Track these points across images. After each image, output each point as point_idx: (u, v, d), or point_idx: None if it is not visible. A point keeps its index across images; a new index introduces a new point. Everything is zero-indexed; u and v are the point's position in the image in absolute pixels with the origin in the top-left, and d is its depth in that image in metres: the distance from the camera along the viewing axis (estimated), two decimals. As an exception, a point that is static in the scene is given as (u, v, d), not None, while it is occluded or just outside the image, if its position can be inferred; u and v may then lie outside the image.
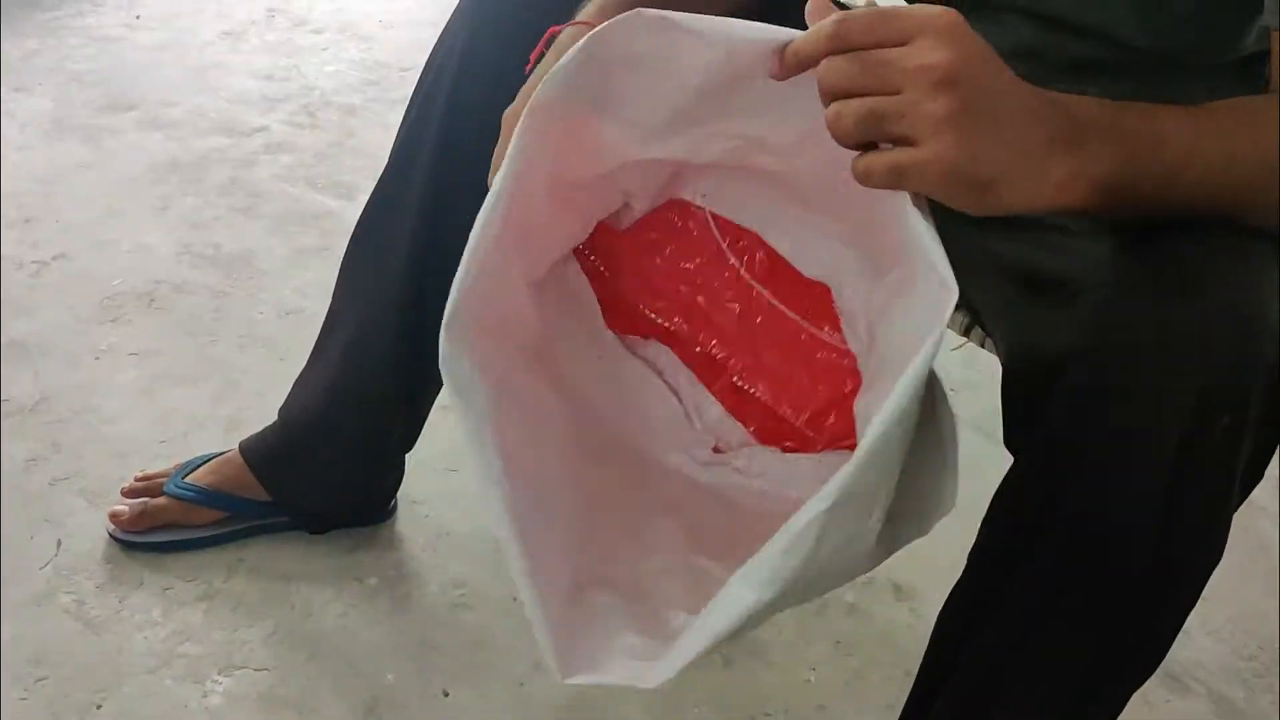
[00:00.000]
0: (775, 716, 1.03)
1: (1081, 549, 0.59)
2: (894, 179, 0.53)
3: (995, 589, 0.64)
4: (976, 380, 1.48)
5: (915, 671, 1.09)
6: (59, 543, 1.08)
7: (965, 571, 0.68)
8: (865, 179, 0.54)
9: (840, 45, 0.53)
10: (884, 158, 0.53)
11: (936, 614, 1.15)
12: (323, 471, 1.08)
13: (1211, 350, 0.54)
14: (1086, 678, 0.63)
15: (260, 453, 1.09)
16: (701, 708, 1.02)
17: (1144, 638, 0.62)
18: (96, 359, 1.34)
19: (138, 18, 2.34)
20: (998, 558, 0.64)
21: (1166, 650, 0.63)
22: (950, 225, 0.79)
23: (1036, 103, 0.55)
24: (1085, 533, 0.58)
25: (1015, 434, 0.65)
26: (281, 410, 1.09)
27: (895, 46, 0.52)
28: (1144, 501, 0.56)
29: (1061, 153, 0.55)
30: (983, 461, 1.42)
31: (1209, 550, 0.59)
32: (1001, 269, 0.75)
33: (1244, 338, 0.54)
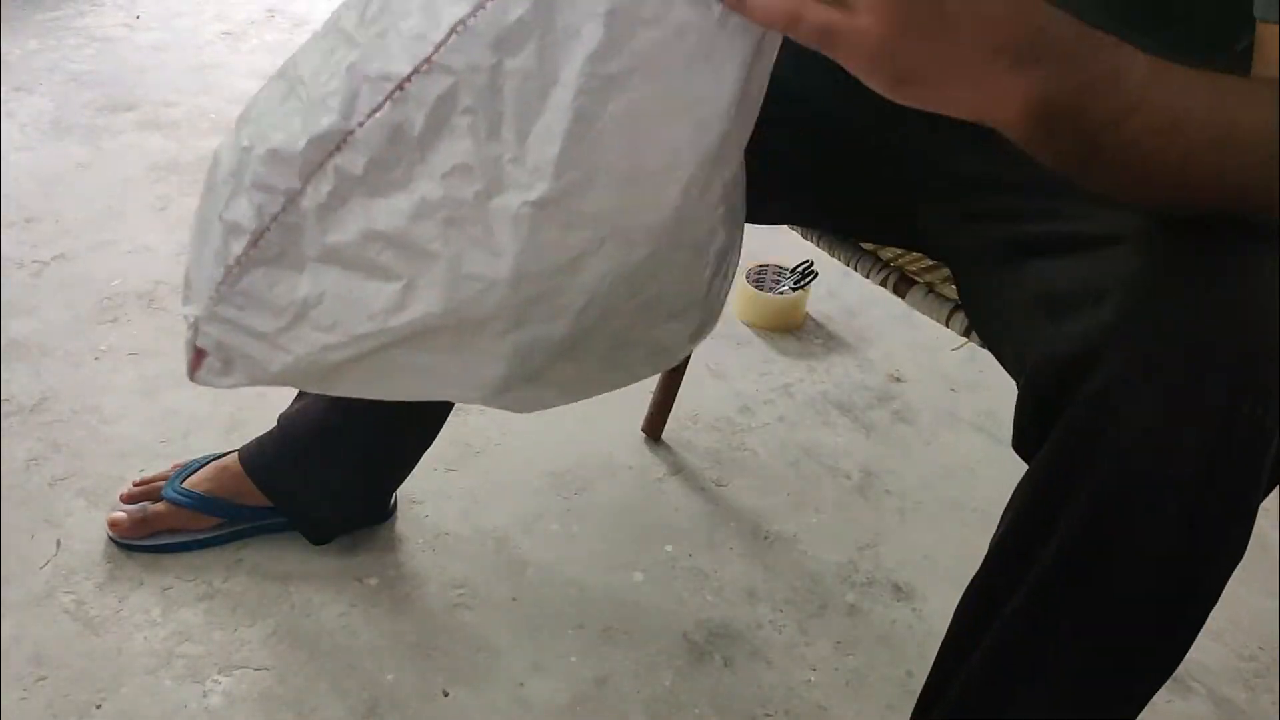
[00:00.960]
0: (775, 716, 1.03)
1: (1106, 540, 0.59)
2: (821, 39, 0.51)
3: (1014, 580, 0.63)
4: (976, 380, 1.49)
5: (916, 671, 1.09)
6: (58, 543, 1.08)
7: (984, 563, 0.68)
8: (789, 25, 0.51)
9: None
10: (818, 12, 0.50)
11: (936, 614, 1.15)
12: (326, 482, 1.08)
13: (1238, 342, 0.54)
14: (1103, 672, 0.62)
15: (260, 462, 1.08)
16: (701, 708, 1.02)
17: (1164, 632, 0.62)
18: (96, 359, 1.34)
19: (137, 18, 2.34)
20: (1017, 550, 0.64)
21: (1187, 648, 0.62)
22: (971, 256, 0.79)
23: (999, 8, 0.51)
24: (1110, 526, 0.58)
25: (1030, 438, 0.64)
26: (282, 418, 1.09)
27: None
28: (1173, 492, 0.56)
29: (1006, 65, 0.51)
30: (982, 461, 1.42)
31: (1233, 543, 0.59)
32: (1017, 286, 0.75)
33: (1267, 329, 0.54)
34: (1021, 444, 0.66)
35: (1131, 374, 0.56)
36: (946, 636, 0.72)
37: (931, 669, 0.73)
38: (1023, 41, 0.52)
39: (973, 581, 0.69)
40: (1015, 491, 0.65)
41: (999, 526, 0.67)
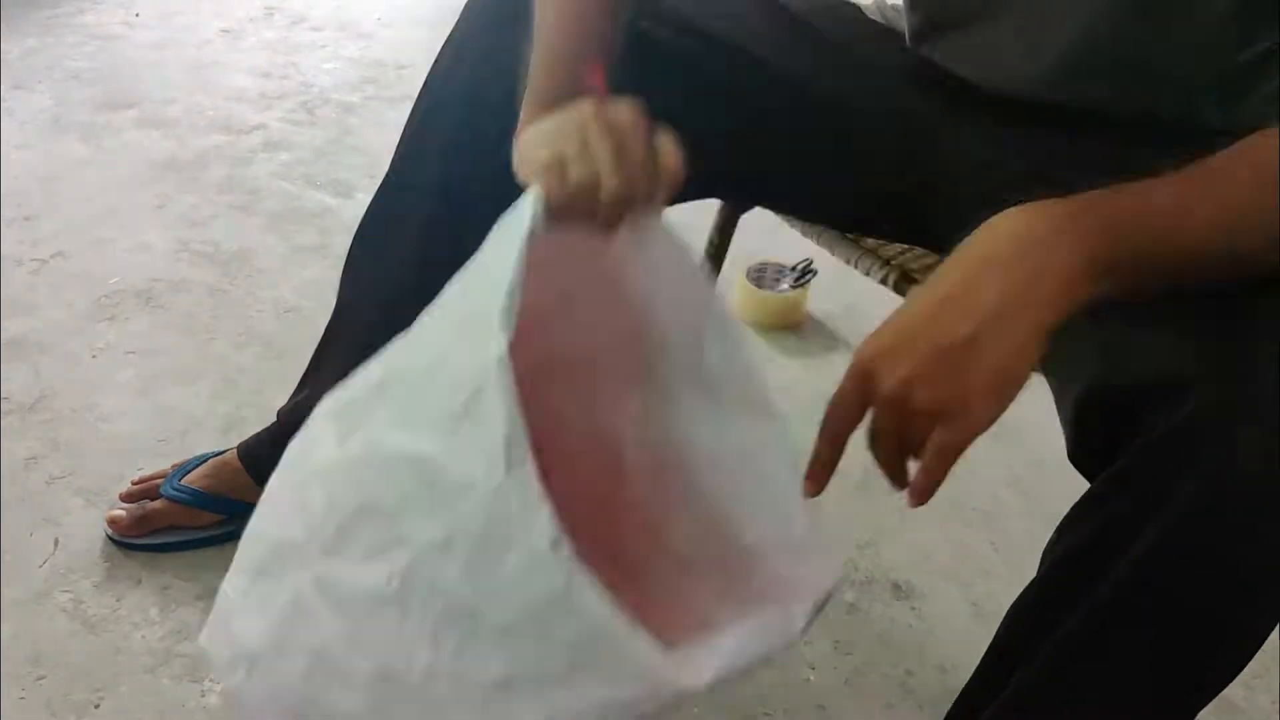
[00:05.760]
0: (775, 716, 1.03)
1: (1193, 559, 0.58)
2: (946, 461, 0.57)
3: (1076, 590, 0.63)
4: (976, 379, 1.47)
5: (915, 670, 1.09)
6: (57, 541, 1.08)
7: (1047, 571, 0.67)
8: (924, 493, 0.58)
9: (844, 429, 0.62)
10: (927, 460, 0.57)
11: (936, 613, 1.15)
12: None
13: None
14: (1168, 687, 0.62)
15: (259, 458, 1.08)
16: (701, 707, 1.02)
17: (1231, 652, 0.61)
18: (95, 357, 1.33)
19: (136, 15, 2.34)
20: (1082, 561, 0.63)
21: (1245, 664, 0.62)
22: None
23: (1004, 279, 0.56)
24: (1199, 546, 0.57)
25: (1093, 451, 0.64)
26: (282, 413, 1.09)
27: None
28: (1269, 518, 0.55)
29: (1047, 301, 0.56)
30: (982, 461, 1.42)
31: None
32: None
33: None
34: (1080, 456, 0.65)
35: (1228, 398, 0.55)
36: (995, 642, 0.71)
37: (973, 677, 0.72)
38: (1054, 278, 0.56)
39: (1032, 588, 0.68)
40: (1084, 503, 0.64)
41: (1061, 535, 0.66)
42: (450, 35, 0.89)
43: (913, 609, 1.16)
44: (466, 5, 0.89)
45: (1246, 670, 1.20)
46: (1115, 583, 0.61)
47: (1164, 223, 0.57)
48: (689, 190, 0.99)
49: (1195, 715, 0.64)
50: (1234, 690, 1.12)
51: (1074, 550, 0.64)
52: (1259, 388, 0.54)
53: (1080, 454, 0.66)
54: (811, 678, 1.07)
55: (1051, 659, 0.65)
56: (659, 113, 0.89)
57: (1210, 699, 0.64)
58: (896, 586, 1.19)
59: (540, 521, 0.51)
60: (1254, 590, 0.58)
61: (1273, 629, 0.60)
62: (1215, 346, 0.57)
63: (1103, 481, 0.62)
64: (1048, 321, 0.56)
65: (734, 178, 0.97)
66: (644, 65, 0.85)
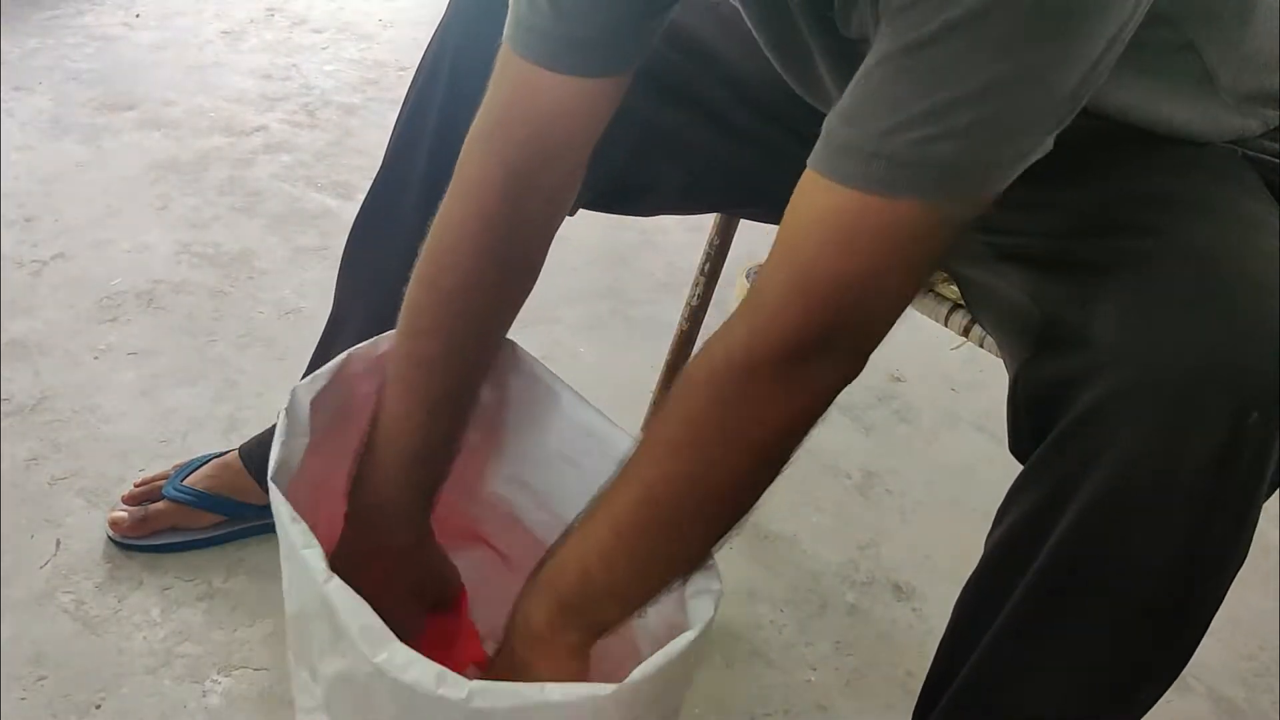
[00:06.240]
0: (775, 716, 1.03)
1: (1103, 546, 0.59)
2: None
3: (1013, 580, 0.64)
4: (976, 380, 1.48)
5: (916, 671, 1.09)
6: (58, 542, 1.08)
7: (983, 562, 0.68)
8: None
9: None
10: None
11: (936, 614, 1.15)
12: None
13: (1240, 354, 0.55)
14: (1102, 674, 0.62)
15: (261, 459, 1.08)
16: (701, 707, 1.02)
17: (1167, 636, 0.62)
18: (96, 358, 1.34)
19: (137, 16, 2.34)
20: (1017, 550, 0.64)
21: (1190, 653, 0.63)
22: (963, 252, 0.80)
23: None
24: (1107, 533, 0.58)
25: (1025, 440, 0.65)
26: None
27: None
28: (1175, 501, 0.56)
29: (548, 653, 0.65)
30: (982, 461, 1.42)
31: (1236, 550, 0.59)
32: (1003, 288, 0.75)
33: (1267, 341, 0.55)
34: (1017, 445, 0.66)
35: (1131, 386, 0.56)
36: (945, 636, 0.72)
37: (930, 669, 0.73)
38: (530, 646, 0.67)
39: (971, 579, 0.69)
40: (1012, 491, 0.65)
41: (995, 526, 0.67)
42: (436, 31, 0.89)
43: (913, 609, 1.16)
44: (451, 1, 0.89)
45: (1246, 670, 1.21)
46: (1040, 570, 0.62)
47: (593, 573, 0.64)
48: (682, 204, 0.99)
49: (1147, 703, 0.65)
50: (1234, 690, 1.12)
51: (1005, 538, 0.65)
52: (1162, 373, 0.55)
53: (1016, 444, 0.67)
54: (812, 678, 1.07)
55: (990, 647, 0.66)
56: (643, 126, 0.90)
57: (1164, 686, 0.64)
58: (897, 587, 1.19)
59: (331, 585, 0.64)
60: (1169, 574, 0.58)
61: (1211, 608, 0.61)
62: (1124, 333, 0.57)
63: (1026, 470, 0.63)
64: (564, 664, 0.65)
65: (715, 192, 0.98)
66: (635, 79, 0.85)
